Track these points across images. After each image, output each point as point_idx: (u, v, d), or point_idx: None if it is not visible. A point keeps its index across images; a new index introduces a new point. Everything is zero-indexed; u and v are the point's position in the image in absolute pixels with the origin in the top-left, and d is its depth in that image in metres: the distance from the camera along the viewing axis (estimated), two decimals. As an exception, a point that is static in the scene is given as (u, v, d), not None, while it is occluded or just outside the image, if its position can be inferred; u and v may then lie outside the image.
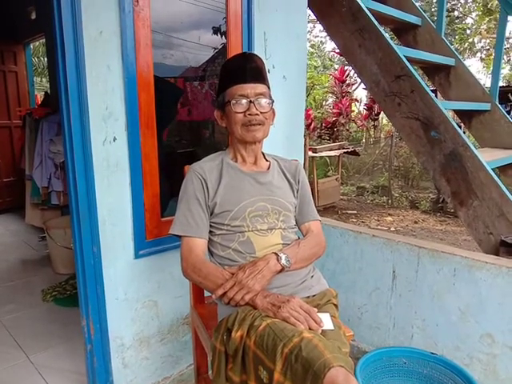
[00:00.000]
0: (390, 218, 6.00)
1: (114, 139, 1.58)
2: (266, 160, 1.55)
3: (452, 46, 2.85)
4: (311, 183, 5.93)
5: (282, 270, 1.30)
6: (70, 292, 2.83)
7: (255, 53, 1.96)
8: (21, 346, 2.26)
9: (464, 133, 2.05)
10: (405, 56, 2.19)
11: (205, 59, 2.36)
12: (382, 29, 2.16)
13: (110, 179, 1.59)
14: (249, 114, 1.38)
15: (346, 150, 6.51)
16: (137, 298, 1.75)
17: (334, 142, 9.47)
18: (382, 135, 9.84)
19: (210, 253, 1.45)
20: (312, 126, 9.40)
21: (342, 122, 9.35)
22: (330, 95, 11.24)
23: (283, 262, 1.30)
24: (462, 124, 3.32)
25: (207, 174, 1.43)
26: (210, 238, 1.43)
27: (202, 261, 1.36)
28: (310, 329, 1.16)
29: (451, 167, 1.98)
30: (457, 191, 1.98)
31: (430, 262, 1.83)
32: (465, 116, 2.73)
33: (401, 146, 7.85)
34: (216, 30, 2.24)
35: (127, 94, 1.57)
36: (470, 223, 1.96)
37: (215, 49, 2.31)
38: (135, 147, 1.63)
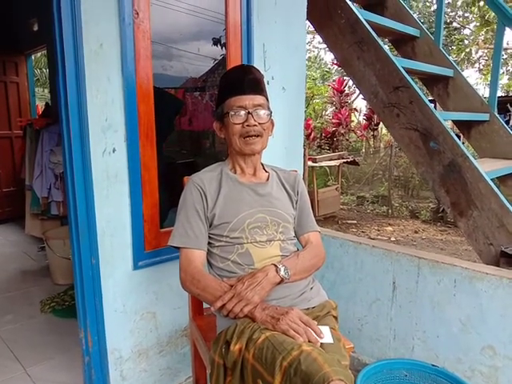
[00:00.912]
0: (390, 228, 5.99)
1: (114, 150, 1.58)
2: (265, 171, 1.56)
3: (450, 57, 2.87)
4: (311, 193, 5.93)
5: (281, 282, 1.30)
6: (69, 303, 2.81)
7: (254, 64, 1.99)
8: (18, 358, 2.24)
9: (463, 143, 2.05)
10: (403, 67, 2.20)
11: (205, 70, 2.38)
12: (380, 41, 2.17)
13: (109, 190, 1.59)
14: (247, 125, 1.38)
15: (345, 160, 6.52)
16: (135, 309, 1.74)
17: (333, 152, 9.50)
18: (381, 145, 9.86)
19: (209, 264, 1.45)
20: (312, 136, 9.43)
21: (342, 131, 9.37)
22: (330, 105, 11.29)
23: (282, 273, 1.29)
24: (460, 134, 3.33)
25: (206, 185, 1.43)
26: (208, 250, 1.43)
27: (201, 272, 1.35)
28: (309, 341, 1.15)
29: (450, 178, 1.98)
30: (456, 202, 1.98)
31: (430, 273, 1.82)
32: (464, 126, 2.74)
33: (400, 155, 7.86)
34: (216, 41, 2.26)
35: (127, 106, 1.58)
36: (470, 234, 1.95)
37: (215, 60, 2.33)
38: (134, 158, 1.64)
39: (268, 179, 1.52)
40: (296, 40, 2.24)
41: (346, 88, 9.91)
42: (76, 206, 1.51)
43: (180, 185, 1.60)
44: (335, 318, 1.40)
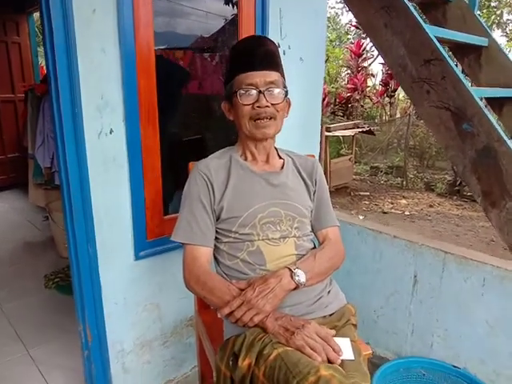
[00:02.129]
0: (404, 201, 5.81)
1: (111, 131, 1.42)
2: (280, 157, 1.39)
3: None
4: (324, 163, 5.73)
5: (296, 288, 1.16)
6: (73, 279, 2.74)
7: (269, 33, 1.79)
8: (20, 337, 2.18)
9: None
10: (435, 37, 1.96)
11: (215, 29, 2.13)
12: (411, 5, 1.92)
13: (107, 176, 1.44)
14: (258, 107, 1.20)
15: (361, 130, 6.26)
16: (137, 301, 1.63)
17: (347, 119, 9.19)
18: (397, 112, 9.51)
19: (216, 261, 1.31)
20: (325, 102, 9.09)
21: (357, 98, 9.01)
22: (345, 69, 10.84)
23: (297, 278, 1.15)
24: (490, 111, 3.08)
25: (213, 174, 1.27)
26: (215, 246, 1.29)
27: (207, 273, 1.22)
28: (328, 360, 1.03)
29: (483, 164, 1.78)
30: (488, 191, 1.79)
31: (456, 270, 1.67)
32: (495, 102, 2.49)
33: (417, 124, 7.55)
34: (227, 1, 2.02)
35: (125, 81, 1.40)
36: (502, 227, 1.78)
37: (225, 19, 2.08)
38: (134, 140, 1.47)
39: (283, 167, 1.35)
40: (315, 4, 2.00)
41: (364, 52, 9.44)
42: (70, 194, 1.37)
43: (186, 165, 1.45)
44: (354, 325, 1.27)
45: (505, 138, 1.73)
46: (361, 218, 4.71)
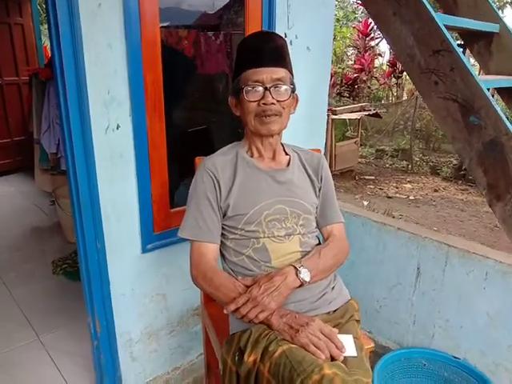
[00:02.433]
0: (409, 186, 5.80)
1: (118, 127, 1.42)
2: (286, 153, 1.39)
3: (495, 6, 2.53)
4: (329, 146, 5.70)
5: (300, 286, 1.18)
6: (81, 265, 2.78)
7: (276, 22, 1.77)
8: (31, 323, 2.24)
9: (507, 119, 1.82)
10: (445, 25, 1.92)
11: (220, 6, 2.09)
12: (421, -6, 1.88)
13: (114, 171, 1.45)
14: (263, 104, 1.20)
15: (367, 113, 6.19)
16: (144, 292, 1.66)
17: (354, 100, 9.09)
18: (404, 94, 9.38)
19: (223, 257, 1.33)
20: (332, 82, 8.96)
21: (364, 78, 8.89)
22: (351, 49, 10.66)
23: (302, 276, 1.17)
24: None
25: (220, 171, 1.28)
26: (222, 242, 1.31)
27: (214, 269, 1.24)
28: (331, 357, 1.06)
29: (490, 157, 1.77)
30: (494, 184, 1.79)
31: (459, 263, 1.69)
32: (504, 90, 2.46)
33: (424, 107, 7.45)
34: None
35: (131, 76, 1.39)
36: (506, 220, 1.78)
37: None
38: (141, 134, 1.48)
39: (289, 164, 1.36)
40: (324, -9, 1.96)
41: (372, 32, 9.25)
42: (78, 189, 1.39)
43: (191, 157, 1.46)
44: (357, 321, 1.29)
45: (513, 132, 1.72)
46: (365, 203, 4.72)
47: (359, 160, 6.84)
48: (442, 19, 1.98)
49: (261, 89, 1.20)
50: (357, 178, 6.07)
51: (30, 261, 2.91)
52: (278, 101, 1.22)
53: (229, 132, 2.10)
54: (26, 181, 4.57)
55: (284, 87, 1.23)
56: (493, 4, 2.53)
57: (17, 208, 3.90)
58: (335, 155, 5.81)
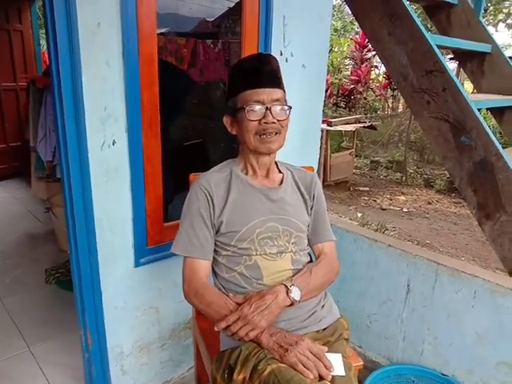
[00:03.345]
0: (403, 198, 5.84)
1: (114, 142, 1.44)
2: (279, 171, 1.42)
3: (485, 19, 2.58)
4: (324, 157, 5.73)
5: (291, 305, 1.20)
6: (74, 274, 2.78)
7: (273, 41, 1.81)
8: (22, 333, 2.23)
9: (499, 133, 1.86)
10: (437, 45, 1.96)
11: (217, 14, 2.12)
12: (416, 16, 1.92)
13: (109, 185, 1.47)
14: (264, 123, 1.24)
15: (363, 125, 6.25)
16: (137, 305, 1.67)
17: (350, 111, 9.16)
18: (400, 106, 9.46)
19: (214, 273, 1.35)
20: (328, 93, 9.04)
21: (360, 90, 8.96)
22: (349, 60, 10.75)
23: (293, 295, 1.19)
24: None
25: (214, 188, 1.30)
26: (214, 258, 1.33)
27: (206, 286, 1.26)
28: (319, 376, 1.07)
29: (480, 177, 1.81)
30: (484, 203, 1.82)
31: (448, 281, 1.71)
32: (496, 110, 2.51)
33: (419, 119, 7.51)
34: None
35: (128, 94, 1.42)
36: (495, 238, 1.81)
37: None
38: (137, 150, 1.50)
39: (282, 182, 1.38)
40: (320, 9, 2.00)
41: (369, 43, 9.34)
42: (73, 204, 1.40)
43: (185, 171, 1.49)
44: (347, 339, 1.31)
45: (502, 153, 1.76)
46: (359, 215, 4.75)
47: (354, 171, 6.88)
48: (435, 40, 2.02)
49: (262, 108, 1.23)
50: (351, 188, 6.11)
51: (22, 268, 2.90)
52: (277, 120, 1.25)
53: (223, 145, 2.12)
54: (21, 187, 4.57)
55: (282, 107, 1.26)
56: (485, 25, 2.59)
57: (11, 214, 3.89)
58: (330, 166, 5.84)
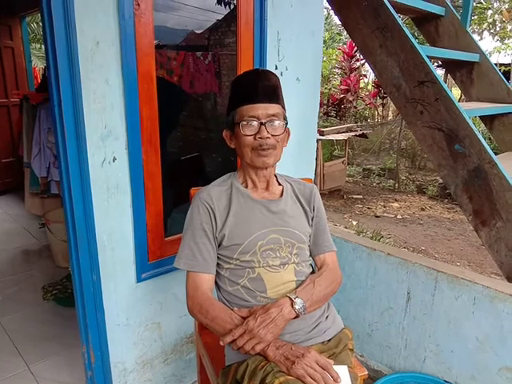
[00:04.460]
0: (396, 204, 5.89)
1: (114, 159, 1.45)
2: (279, 183, 1.43)
3: (470, 28, 2.64)
4: (317, 166, 5.78)
5: (296, 317, 1.20)
6: (71, 290, 2.74)
7: (267, 55, 1.83)
8: (21, 352, 2.20)
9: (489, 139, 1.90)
10: (428, 56, 2.01)
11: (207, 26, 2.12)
12: (406, 28, 1.96)
13: (110, 202, 1.47)
14: (259, 138, 1.25)
15: (354, 134, 6.31)
16: (139, 321, 1.66)
17: (340, 120, 9.25)
18: (390, 113, 9.58)
19: (217, 287, 1.35)
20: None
21: (350, 99, 9.07)
22: (338, 69, 10.88)
23: (297, 307, 1.20)
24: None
25: (215, 202, 1.32)
26: (217, 271, 1.33)
27: (210, 300, 1.26)
28: (326, 388, 1.08)
29: (475, 184, 1.85)
30: (479, 210, 1.86)
31: (448, 288, 1.73)
32: (486, 117, 2.56)
33: (409, 126, 7.62)
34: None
35: (128, 111, 1.43)
36: (492, 244, 1.84)
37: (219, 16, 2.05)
38: (137, 166, 1.51)
39: (282, 194, 1.40)
40: (313, 24, 2.04)
41: (357, 53, 9.49)
42: (74, 221, 1.40)
43: (186, 184, 1.51)
44: (351, 350, 1.32)
45: (496, 160, 1.79)
46: (354, 223, 4.77)
47: (347, 179, 6.93)
48: (425, 51, 2.07)
49: (256, 123, 1.25)
50: (345, 197, 6.15)
51: (19, 286, 2.87)
52: (272, 135, 1.26)
53: (222, 158, 2.14)
54: (14, 203, 4.53)
55: (278, 122, 1.28)
56: (472, 35, 2.65)
57: (5, 230, 3.85)
58: (323, 174, 5.89)
